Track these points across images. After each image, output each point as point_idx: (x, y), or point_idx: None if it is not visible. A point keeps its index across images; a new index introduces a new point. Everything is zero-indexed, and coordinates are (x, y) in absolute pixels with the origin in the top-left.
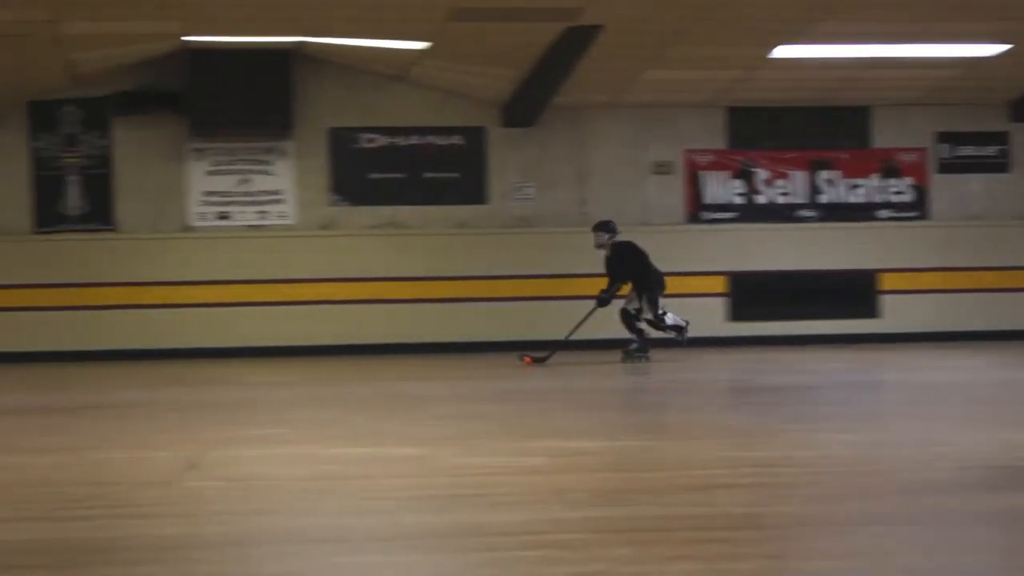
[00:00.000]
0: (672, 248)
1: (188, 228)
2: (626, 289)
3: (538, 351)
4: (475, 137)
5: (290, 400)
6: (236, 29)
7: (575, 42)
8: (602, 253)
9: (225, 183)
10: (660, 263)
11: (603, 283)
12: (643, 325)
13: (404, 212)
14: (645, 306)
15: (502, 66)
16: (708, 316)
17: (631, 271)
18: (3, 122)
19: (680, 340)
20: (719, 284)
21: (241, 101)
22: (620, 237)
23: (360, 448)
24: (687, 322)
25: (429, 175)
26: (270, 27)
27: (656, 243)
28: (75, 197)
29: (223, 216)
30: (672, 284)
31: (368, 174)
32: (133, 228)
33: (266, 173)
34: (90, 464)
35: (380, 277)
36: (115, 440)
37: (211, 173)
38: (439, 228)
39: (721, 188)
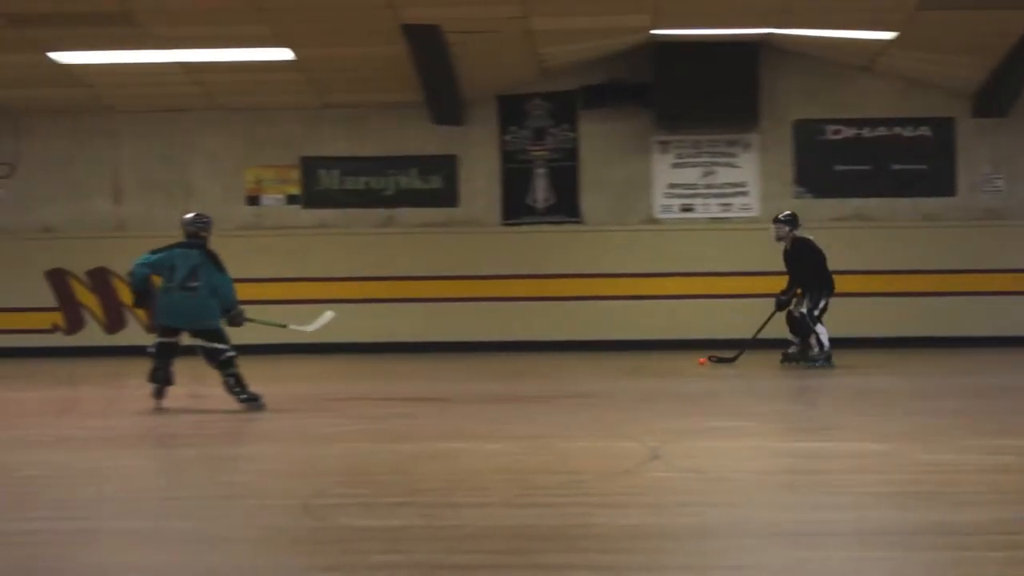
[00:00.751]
0: None
1: (652, 220)
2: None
3: (726, 351)
4: (943, 128)
5: (752, 392)
6: (705, 21)
7: None
8: (781, 246)
9: (689, 176)
10: None
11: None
12: (820, 328)
13: (869, 204)
14: (806, 301)
15: (973, 55)
16: None
17: (808, 270)
18: (474, 117)
19: (812, 359)
20: None
21: (706, 93)
22: (801, 233)
23: (823, 442)
24: (831, 349)
25: (895, 167)
26: (738, 19)
27: None
28: (542, 190)
29: (687, 208)
30: None
31: (833, 166)
32: (598, 220)
33: (730, 165)
34: (556, 452)
35: (844, 270)
36: (580, 429)
37: (676, 166)
38: (905, 220)
39: None
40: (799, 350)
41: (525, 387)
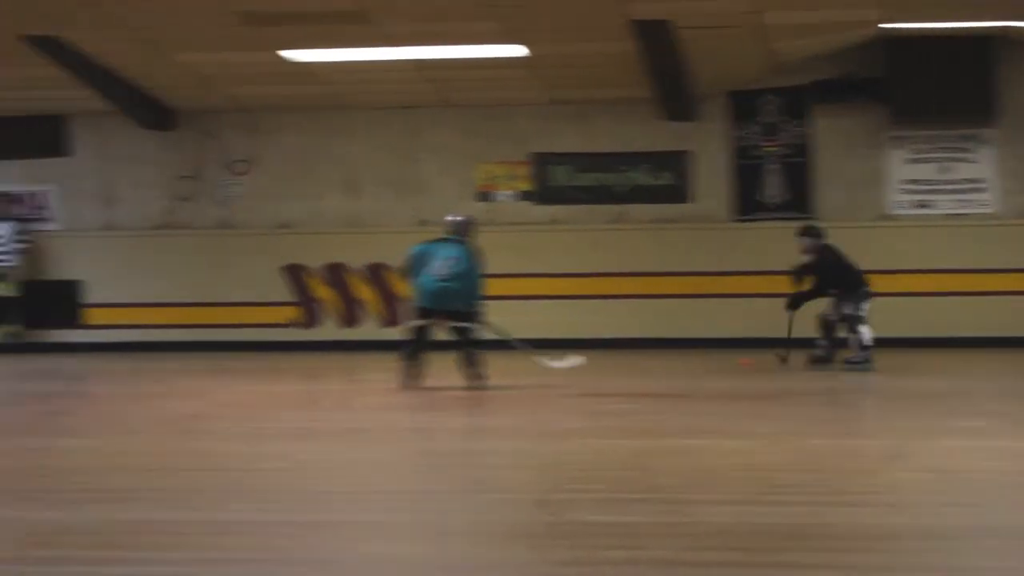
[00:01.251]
0: None
1: (886, 217)
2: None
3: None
4: None
5: (994, 392)
6: (936, 15)
7: None
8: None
9: (925, 171)
10: None
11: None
12: (863, 328)
13: None
14: (846, 305)
15: None
16: None
17: (824, 281)
18: (705, 112)
19: (852, 361)
20: None
21: (941, 88)
22: (822, 241)
23: None
24: (872, 350)
25: None
26: (972, 12)
27: None
28: (773, 186)
29: (922, 205)
30: None
31: None
32: (830, 216)
33: (967, 161)
34: (793, 450)
35: None
36: (818, 426)
37: (910, 161)
38: None
39: None
40: (826, 352)
41: (760, 383)
